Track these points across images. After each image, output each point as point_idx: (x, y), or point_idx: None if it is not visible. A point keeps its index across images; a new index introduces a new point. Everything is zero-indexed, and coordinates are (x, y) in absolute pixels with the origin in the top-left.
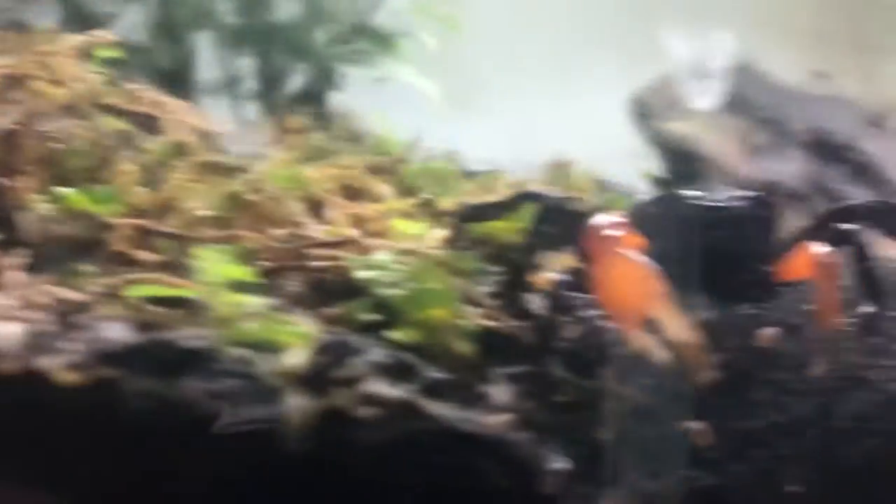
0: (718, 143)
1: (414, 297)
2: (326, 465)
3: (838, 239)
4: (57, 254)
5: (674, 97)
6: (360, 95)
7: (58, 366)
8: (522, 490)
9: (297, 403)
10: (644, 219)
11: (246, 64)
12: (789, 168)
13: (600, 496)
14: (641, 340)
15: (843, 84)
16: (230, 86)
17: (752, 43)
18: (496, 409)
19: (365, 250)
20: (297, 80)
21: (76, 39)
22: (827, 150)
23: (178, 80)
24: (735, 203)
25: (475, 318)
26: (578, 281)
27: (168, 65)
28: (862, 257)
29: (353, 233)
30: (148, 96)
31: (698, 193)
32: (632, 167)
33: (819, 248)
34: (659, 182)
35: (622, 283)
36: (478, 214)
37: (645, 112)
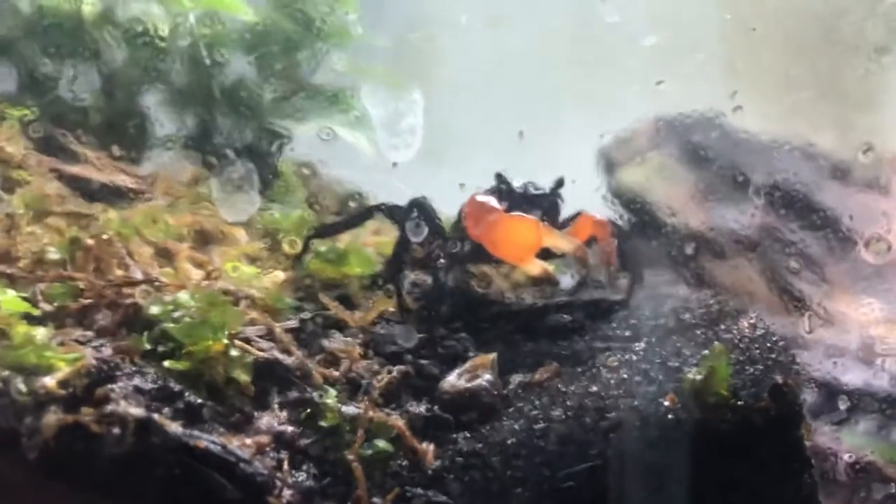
0: (669, 192)
1: (188, 329)
2: (69, 473)
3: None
4: None
5: (635, 149)
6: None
7: None
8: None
9: (46, 418)
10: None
11: (191, 121)
12: (743, 217)
13: None
14: (537, 266)
15: (817, 134)
16: (174, 141)
17: (724, 93)
18: (255, 431)
19: (172, 289)
20: (245, 137)
21: None
22: (784, 200)
23: (124, 136)
24: (540, 192)
25: (262, 351)
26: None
27: (115, 121)
28: None
29: (194, 274)
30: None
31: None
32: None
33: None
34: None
35: (511, 231)
36: (324, 232)
37: (608, 163)
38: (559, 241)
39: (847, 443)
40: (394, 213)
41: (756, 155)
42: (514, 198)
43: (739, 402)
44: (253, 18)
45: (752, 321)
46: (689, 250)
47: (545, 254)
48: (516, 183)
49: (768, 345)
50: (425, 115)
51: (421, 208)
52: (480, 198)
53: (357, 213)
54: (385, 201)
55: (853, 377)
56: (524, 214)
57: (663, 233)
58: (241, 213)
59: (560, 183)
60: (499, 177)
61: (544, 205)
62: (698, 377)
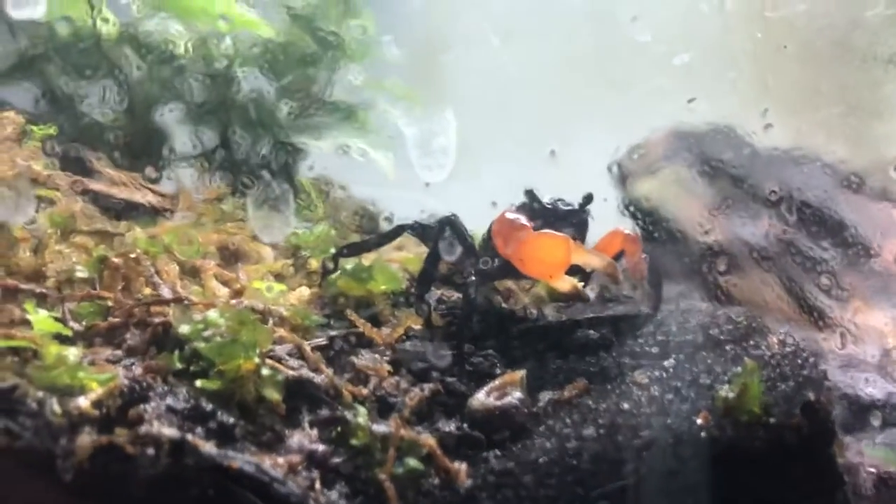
0: (683, 203)
1: (219, 349)
2: (104, 495)
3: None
4: None
5: (649, 160)
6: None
7: None
8: None
9: (80, 439)
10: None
11: (210, 138)
12: (756, 228)
13: None
14: (567, 283)
15: (832, 146)
16: (195, 158)
17: (740, 104)
18: (287, 451)
19: (200, 308)
20: (263, 152)
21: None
22: (800, 211)
23: (144, 153)
24: (569, 209)
25: (292, 370)
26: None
27: (135, 139)
28: None
29: (221, 291)
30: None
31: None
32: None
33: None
34: None
35: (542, 249)
36: (354, 250)
37: (623, 174)
38: (589, 258)
39: (869, 455)
40: (425, 232)
41: (770, 165)
42: (544, 214)
43: (772, 420)
44: (271, 35)
45: (781, 337)
46: (704, 261)
47: (573, 269)
48: (546, 199)
49: (799, 361)
50: None
51: (452, 226)
52: (510, 215)
53: (387, 232)
54: (416, 220)
55: (874, 389)
56: (554, 232)
57: (678, 244)
58: (278, 234)
59: (589, 199)
60: (529, 193)
61: (574, 221)
62: (731, 395)
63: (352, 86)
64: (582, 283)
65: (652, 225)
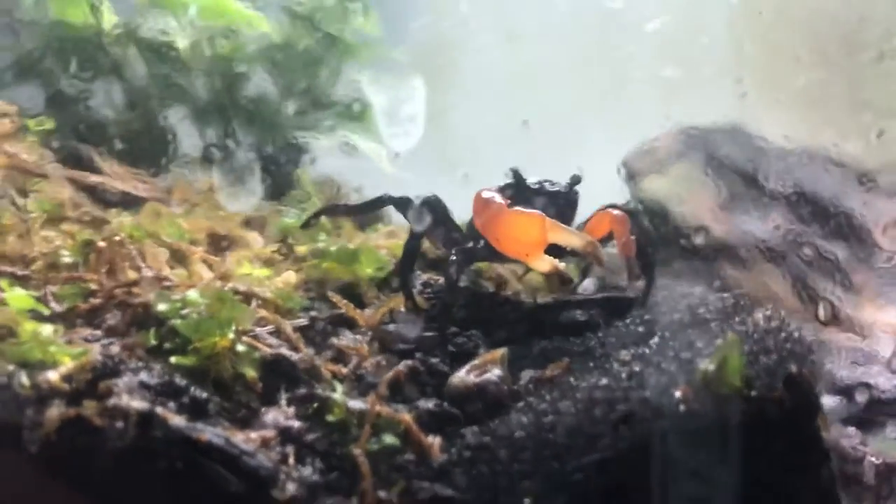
0: (692, 201)
1: (195, 325)
2: (72, 467)
3: None
4: None
5: (657, 158)
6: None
7: None
8: (258, 497)
9: (48, 412)
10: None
11: (211, 134)
12: (766, 225)
13: None
14: (546, 263)
15: (842, 144)
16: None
17: (751, 103)
18: (261, 426)
19: (182, 289)
20: (264, 149)
21: None
22: (807, 207)
23: (145, 149)
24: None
25: (270, 348)
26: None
27: (136, 135)
28: None
29: (206, 275)
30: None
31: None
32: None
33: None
34: None
35: (515, 227)
36: (330, 210)
37: (630, 173)
38: (568, 237)
39: (874, 447)
40: (400, 204)
41: (780, 163)
42: (527, 194)
43: (753, 393)
44: (273, 33)
45: (767, 312)
46: (712, 258)
47: (558, 251)
48: (531, 179)
49: (783, 335)
50: (448, 129)
51: (431, 206)
52: (486, 193)
53: (366, 202)
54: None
55: (883, 381)
56: (527, 209)
57: (686, 241)
58: (244, 203)
59: (576, 180)
60: (514, 172)
61: (560, 202)
62: (711, 368)
63: (353, 83)
64: (563, 265)
65: (661, 222)
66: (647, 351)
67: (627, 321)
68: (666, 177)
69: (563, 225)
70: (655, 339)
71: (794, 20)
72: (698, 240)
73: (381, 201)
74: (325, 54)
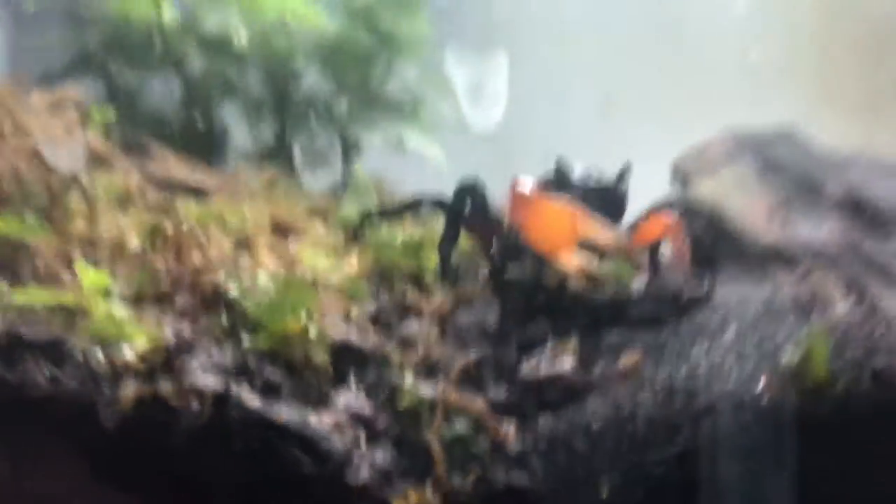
0: (746, 205)
1: (267, 309)
2: (147, 444)
3: None
4: None
5: (710, 161)
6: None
7: None
8: (332, 480)
9: (124, 389)
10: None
11: (267, 131)
12: (822, 232)
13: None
14: (574, 261)
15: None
16: (255, 151)
17: (800, 110)
18: (333, 410)
19: (251, 274)
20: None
21: (47, 99)
22: (865, 214)
23: (203, 145)
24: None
25: (340, 334)
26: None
27: (194, 130)
28: None
29: (272, 263)
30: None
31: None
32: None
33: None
34: None
35: (544, 217)
36: (381, 214)
37: (683, 177)
38: (600, 234)
39: None
40: (438, 204)
41: (836, 168)
42: (568, 187)
43: (839, 387)
44: (329, 30)
45: (851, 302)
46: (765, 263)
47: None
48: (577, 172)
49: (870, 325)
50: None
51: (472, 192)
52: (521, 183)
53: (406, 203)
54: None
55: None
56: (559, 202)
57: (741, 246)
58: (321, 179)
59: (624, 173)
60: (558, 162)
61: (604, 197)
62: (795, 360)
63: (406, 81)
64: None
65: (714, 226)
66: (725, 344)
67: (698, 315)
68: (717, 179)
69: (598, 221)
70: (731, 333)
71: (853, 20)
72: (751, 243)
73: (418, 202)
74: (381, 51)
